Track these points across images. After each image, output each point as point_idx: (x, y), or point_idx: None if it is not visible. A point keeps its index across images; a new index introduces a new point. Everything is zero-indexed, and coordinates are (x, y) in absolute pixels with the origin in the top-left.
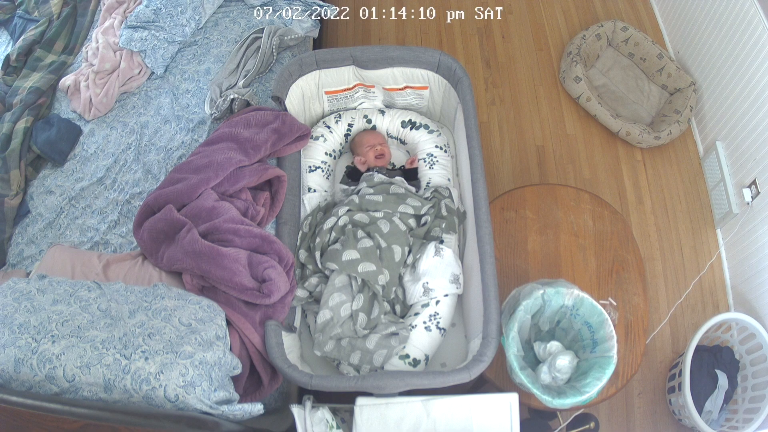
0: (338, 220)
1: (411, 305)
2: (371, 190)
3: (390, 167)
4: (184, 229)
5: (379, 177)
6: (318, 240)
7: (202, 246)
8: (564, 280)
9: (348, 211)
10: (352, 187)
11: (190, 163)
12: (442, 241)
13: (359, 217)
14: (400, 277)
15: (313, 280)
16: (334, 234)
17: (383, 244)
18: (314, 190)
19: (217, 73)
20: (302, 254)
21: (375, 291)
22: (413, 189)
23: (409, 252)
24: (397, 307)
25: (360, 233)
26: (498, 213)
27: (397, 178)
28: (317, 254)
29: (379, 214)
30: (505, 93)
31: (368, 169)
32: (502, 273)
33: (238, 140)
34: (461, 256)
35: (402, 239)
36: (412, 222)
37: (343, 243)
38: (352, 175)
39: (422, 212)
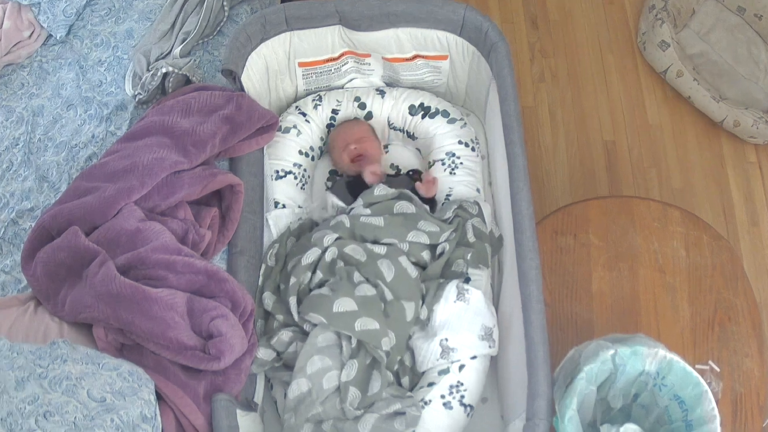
0: (324, 252)
1: (424, 372)
2: (367, 210)
3: (393, 173)
4: (95, 262)
5: (380, 190)
6: (293, 280)
7: (121, 286)
8: (644, 336)
9: (337, 239)
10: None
11: (104, 166)
12: (468, 280)
13: (351, 250)
14: (408, 337)
15: (284, 335)
16: (319, 274)
17: (389, 296)
18: (283, 205)
19: (143, 36)
20: (267, 298)
21: (377, 357)
22: (427, 207)
23: (423, 303)
24: (405, 379)
25: (357, 276)
26: (549, 239)
27: (405, 191)
28: (291, 300)
29: (379, 249)
30: (560, 65)
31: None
32: (555, 325)
33: (173, 133)
34: (495, 300)
35: (413, 291)
36: (426, 256)
37: (333, 286)
38: (354, 189)
39: (441, 239)
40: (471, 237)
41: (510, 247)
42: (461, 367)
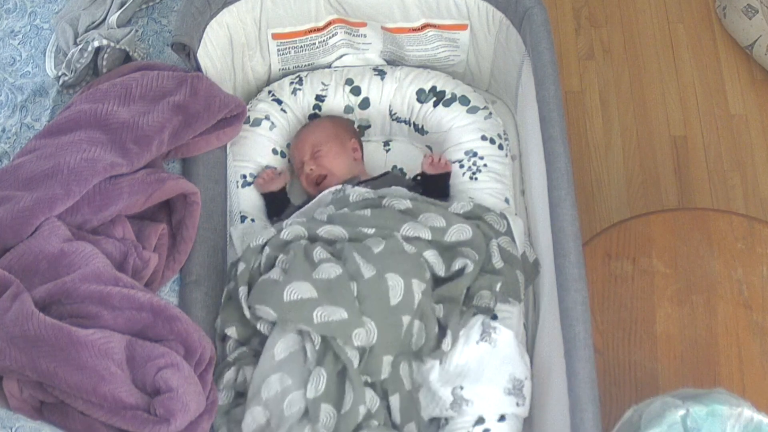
0: (283, 232)
1: (431, 420)
2: (347, 210)
3: (378, 175)
4: (5, 295)
5: (357, 192)
6: (242, 266)
7: (40, 326)
8: (725, 391)
9: (304, 222)
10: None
11: (17, 169)
12: (495, 316)
13: (326, 232)
14: (415, 354)
15: (232, 366)
16: (267, 251)
17: (367, 272)
18: (252, 220)
19: (68, 0)
20: (219, 319)
21: (344, 360)
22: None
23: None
24: (395, 397)
25: (319, 252)
26: (600, 264)
27: (394, 188)
28: (242, 291)
29: (368, 230)
30: (615, 37)
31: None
32: (608, 377)
33: (108, 127)
34: (530, 344)
35: (407, 265)
36: (431, 257)
37: (286, 269)
38: (273, 209)
39: (449, 237)
40: (498, 262)
41: (549, 275)
42: (485, 431)
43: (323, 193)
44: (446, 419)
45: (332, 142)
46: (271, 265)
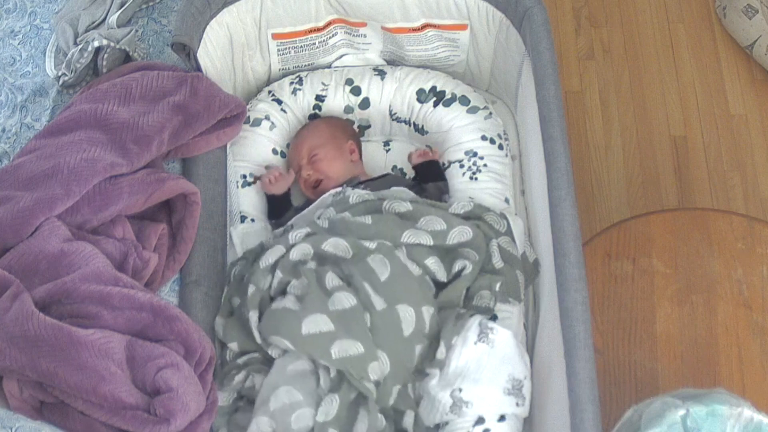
0: (290, 250)
1: (429, 428)
2: (348, 214)
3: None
4: (6, 295)
5: (356, 197)
6: (252, 289)
7: (40, 326)
8: (725, 391)
9: (308, 236)
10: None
11: (17, 169)
12: (494, 317)
13: (332, 245)
14: (418, 373)
15: (239, 374)
16: (279, 275)
17: (379, 304)
18: (252, 220)
19: (68, 0)
20: (218, 325)
21: (363, 392)
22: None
23: (434, 336)
24: (409, 417)
25: (332, 278)
26: (600, 264)
27: (394, 188)
28: (252, 316)
29: (369, 244)
30: (615, 37)
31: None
32: (608, 377)
33: (108, 127)
34: (530, 345)
35: (415, 293)
36: (432, 265)
37: (300, 296)
38: (275, 211)
39: (451, 240)
40: (498, 262)
41: (549, 275)
42: (485, 431)
43: (324, 195)
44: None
45: (328, 146)
46: (282, 290)
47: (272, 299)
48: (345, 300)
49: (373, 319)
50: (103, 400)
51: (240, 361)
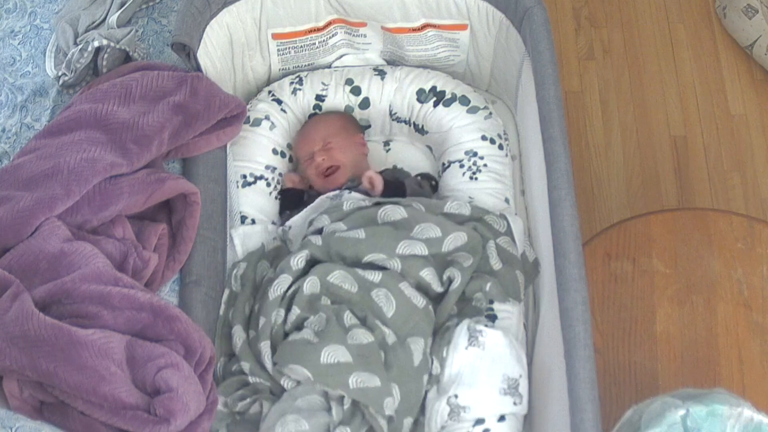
0: (302, 282)
1: None
2: (341, 225)
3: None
4: (6, 295)
5: (350, 203)
6: (263, 321)
7: (40, 326)
8: (725, 391)
9: (309, 262)
10: (288, 227)
11: (17, 169)
12: (494, 318)
13: (338, 278)
14: (422, 391)
15: (244, 394)
16: (296, 310)
17: (390, 340)
18: (252, 221)
19: (68, 0)
20: (237, 335)
21: (375, 428)
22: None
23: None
24: None
25: (349, 316)
26: (600, 264)
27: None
28: (264, 346)
29: (373, 276)
30: (614, 37)
31: (311, 189)
32: (608, 377)
33: (108, 127)
34: (530, 345)
35: (421, 325)
36: (428, 277)
37: (318, 331)
38: (290, 201)
39: (447, 247)
40: (496, 263)
41: (549, 275)
42: (485, 431)
43: (320, 198)
44: None
45: (342, 136)
46: (299, 326)
47: (286, 334)
48: (362, 336)
49: (386, 355)
50: (103, 400)
51: (251, 380)
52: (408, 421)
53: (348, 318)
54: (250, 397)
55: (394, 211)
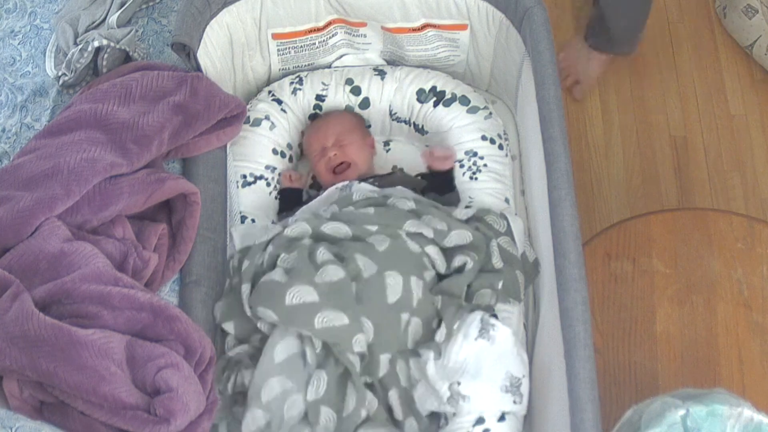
0: (287, 229)
1: (431, 417)
2: (351, 208)
3: (382, 174)
4: (6, 295)
5: (361, 190)
6: (246, 264)
7: (40, 326)
8: (725, 391)
9: (308, 220)
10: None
11: (17, 169)
12: (495, 317)
13: (330, 229)
14: (412, 351)
15: (239, 364)
16: (270, 249)
17: (367, 272)
18: (252, 220)
19: (68, 0)
20: (218, 307)
21: (346, 365)
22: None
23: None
24: (392, 392)
25: (323, 253)
26: (600, 264)
27: (399, 188)
28: (244, 288)
29: (372, 227)
30: None
31: (313, 187)
32: (608, 377)
33: (108, 127)
34: (530, 345)
35: (407, 263)
36: (433, 253)
37: (288, 269)
38: (288, 201)
39: (449, 242)
40: (497, 262)
41: (549, 275)
42: (485, 431)
43: (330, 189)
44: (446, 419)
45: (356, 134)
46: (273, 264)
47: (265, 273)
48: (333, 272)
49: (358, 287)
50: (103, 400)
51: (232, 354)
52: (385, 357)
53: (321, 254)
54: (234, 372)
55: (403, 203)
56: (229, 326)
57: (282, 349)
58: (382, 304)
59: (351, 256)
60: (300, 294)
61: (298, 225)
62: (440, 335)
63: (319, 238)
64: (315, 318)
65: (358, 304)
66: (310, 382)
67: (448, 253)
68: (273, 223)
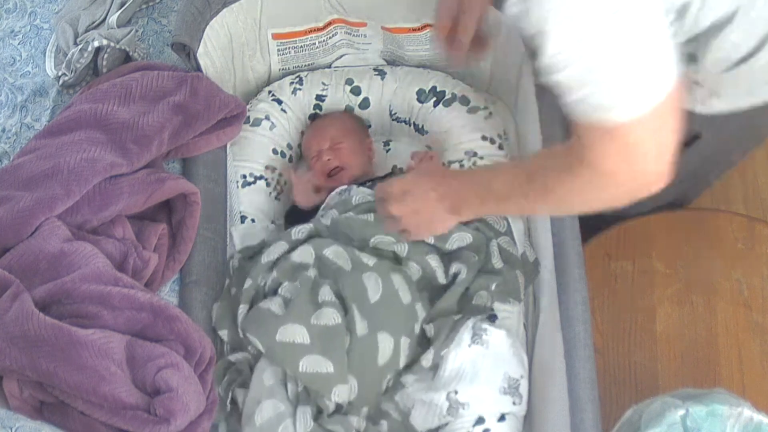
0: (293, 250)
1: None
2: (351, 214)
3: (384, 175)
4: (6, 295)
5: (360, 196)
6: (248, 283)
7: (40, 326)
8: (725, 391)
9: (311, 236)
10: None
11: (17, 169)
12: (494, 318)
13: (333, 252)
14: (390, 388)
15: (233, 382)
16: (274, 274)
17: (361, 329)
18: (252, 220)
19: (68, 0)
20: (214, 309)
21: (322, 407)
22: None
23: (411, 342)
24: (384, 426)
25: (326, 292)
26: (600, 263)
27: None
28: (241, 309)
29: (368, 260)
30: None
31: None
32: (608, 377)
33: (108, 127)
34: (530, 345)
35: (398, 323)
36: (434, 263)
37: (288, 300)
38: (296, 217)
39: (451, 246)
40: (497, 262)
41: (549, 275)
42: (485, 431)
43: (331, 195)
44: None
45: (352, 138)
46: (275, 290)
47: (265, 296)
48: (330, 317)
49: (352, 343)
50: (103, 400)
51: (233, 359)
52: (365, 410)
53: (324, 293)
54: (235, 381)
55: None
56: (223, 333)
57: (270, 375)
58: (372, 366)
59: (349, 306)
60: (292, 333)
61: (303, 249)
62: (426, 360)
63: (322, 264)
64: (300, 360)
65: (349, 360)
66: (297, 417)
67: (447, 258)
68: (273, 223)
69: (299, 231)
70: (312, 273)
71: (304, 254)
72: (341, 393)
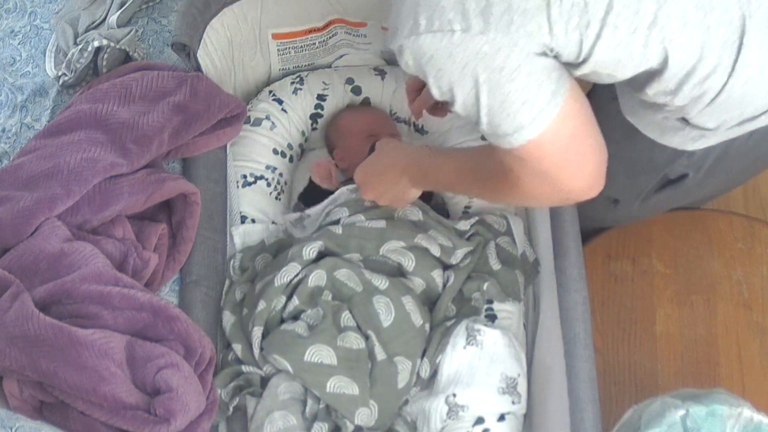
0: (307, 273)
1: None
2: (360, 216)
3: None
4: (6, 295)
5: None
6: (262, 305)
7: (40, 326)
8: (725, 391)
9: (322, 257)
10: (307, 217)
11: (17, 169)
12: (493, 318)
13: (345, 275)
14: (398, 411)
15: (245, 391)
16: (295, 300)
17: (380, 354)
18: (252, 220)
19: (68, 0)
20: (226, 319)
21: (342, 427)
22: (439, 217)
23: (423, 354)
24: None
25: (347, 318)
26: (600, 264)
27: (407, 207)
28: (256, 332)
29: (378, 282)
30: None
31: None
32: (608, 377)
33: (108, 127)
34: (530, 345)
35: (413, 346)
36: (437, 277)
37: (312, 325)
38: (311, 197)
39: (452, 260)
40: (495, 263)
41: (549, 275)
42: (485, 431)
43: (340, 190)
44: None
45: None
46: (296, 316)
47: (282, 320)
48: (354, 341)
49: (373, 369)
50: (103, 400)
51: (244, 369)
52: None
53: (345, 319)
54: (242, 390)
55: (411, 213)
56: (237, 347)
57: (285, 390)
58: (392, 390)
59: (367, 331)
60: (319, 354)
61: (316, 274)
62: (425, 370)
63: (334, 287)
64: (328, 381)
65: (371, 385)
66: (312, 430)
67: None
68: (273, 223)
69: (310, 250)
70: (327, 296)
71: (318, 279)
72: (363, 416)
